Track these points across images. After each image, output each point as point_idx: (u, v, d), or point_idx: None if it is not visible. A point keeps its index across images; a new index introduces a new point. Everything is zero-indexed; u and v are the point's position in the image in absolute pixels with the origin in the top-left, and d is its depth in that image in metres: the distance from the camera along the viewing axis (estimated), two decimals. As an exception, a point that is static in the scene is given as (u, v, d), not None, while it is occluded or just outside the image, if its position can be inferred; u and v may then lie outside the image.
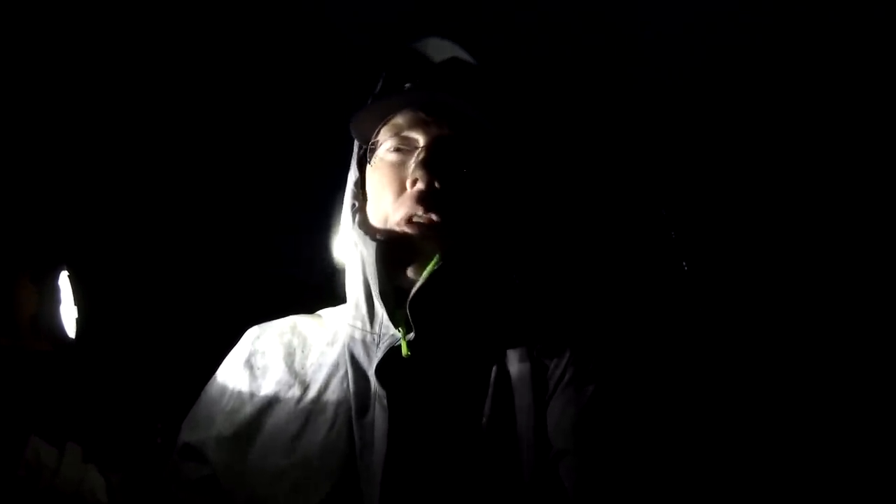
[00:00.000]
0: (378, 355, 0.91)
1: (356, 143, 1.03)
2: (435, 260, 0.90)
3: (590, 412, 0.85)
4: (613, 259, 1.49)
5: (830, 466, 1.43)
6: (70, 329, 1.07)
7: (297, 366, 0.98)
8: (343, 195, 1.02)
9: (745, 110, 1.60)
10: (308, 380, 0.96)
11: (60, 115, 1.52)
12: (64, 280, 1.08)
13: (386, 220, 0.94)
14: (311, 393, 0.94)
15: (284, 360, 0.99)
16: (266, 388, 0.96)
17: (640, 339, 0.97)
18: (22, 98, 1.47)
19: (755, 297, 1.57)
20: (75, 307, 0.99)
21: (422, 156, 0.92)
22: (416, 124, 0.95)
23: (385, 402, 0.87)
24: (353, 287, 0.97)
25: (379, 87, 1.03)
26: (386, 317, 0.92)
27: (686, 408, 0.93)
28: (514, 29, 1.50)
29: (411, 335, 0.90)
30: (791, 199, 1.62)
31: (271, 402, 0.94)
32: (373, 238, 0.92)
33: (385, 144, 0.96)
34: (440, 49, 1.02)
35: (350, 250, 0.97)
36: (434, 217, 0.91)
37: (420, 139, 0.94)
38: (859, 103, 1.56)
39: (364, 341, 0.95)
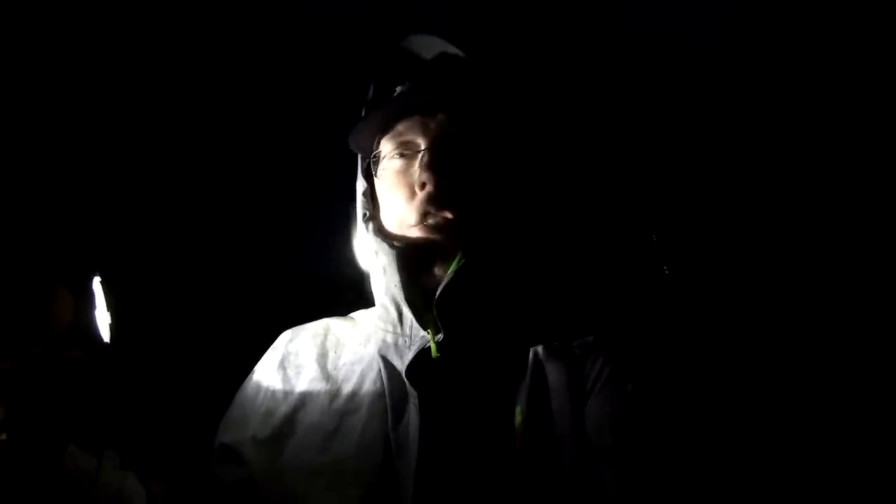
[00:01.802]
0: (408, 358, 0.90)
1: (360, 156, 1.02)
2: (457, 258, 0.90)
3: (631, 411, 0.84)
4: (630, 256, 1.48)
5: (870, 460, 1.40)
6: (105, 335, 1.07)
7: (330, 366, 0.98)
8: (354, 206, 1.02)
9: (732, 112, 1.58)
10: (341, 379, 0.96)
11: (90, 126, 1.54)
12: (97, 286, 1.09)
13: (401, 226, 0.93)
14: (345, 392, 0.94)
15: (318, 360, 0.99)
16: (300, 388, 0.97)
17: (671, 336, 0.96)
18: (52, 110, 1.49)
19: (740, 297, 1.54)
20: (108, 313, 1.00)
21: (426, 158, 0.92)
22: (414, 128, 0.95)
23: (417, 402, 0.87)
24: (379, 292, 0.97)
25: (371, 93, 1.02)
26: (414, 320, 0.92)
27: (725, 406, 0.92)
28: (503, 20, 1.49)
29: (440, 336, 0.89)
30: (777, 200, 1.59)
31: (305, 401, 0.95)
32: (391, 246, 0.92)
33: (388, 153, 0.96)
34: (427, 45, 1.01)
35: (370, 257, 0.97)
36: (448, 215, 0.90)
37: (421, 142, 0.94)
38: (850, 105, 1.54)
39: (396, 344, 0.95)
